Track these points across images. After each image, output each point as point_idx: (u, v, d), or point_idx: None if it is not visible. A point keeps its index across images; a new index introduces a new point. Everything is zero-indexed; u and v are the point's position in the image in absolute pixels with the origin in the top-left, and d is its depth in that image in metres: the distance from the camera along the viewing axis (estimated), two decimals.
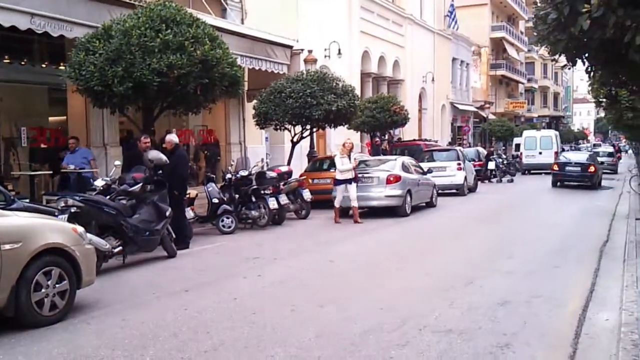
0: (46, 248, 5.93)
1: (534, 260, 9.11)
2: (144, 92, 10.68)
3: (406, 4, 34.41)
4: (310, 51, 19.83)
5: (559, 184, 24.18)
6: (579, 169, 23.72)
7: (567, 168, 24.03)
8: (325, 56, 23.71)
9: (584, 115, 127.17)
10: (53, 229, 6.24)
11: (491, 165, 28.09)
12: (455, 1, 42.69)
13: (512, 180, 27.93)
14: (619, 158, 44.31)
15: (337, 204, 14.01)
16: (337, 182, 14.03)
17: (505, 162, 30.70)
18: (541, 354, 5.08)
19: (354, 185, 13.97)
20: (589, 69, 4.52)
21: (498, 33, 55.21)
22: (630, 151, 49.27)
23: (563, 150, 36.49)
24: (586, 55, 4.23)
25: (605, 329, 5.66)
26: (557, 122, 77.47)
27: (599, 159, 28.78)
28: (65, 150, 12.89)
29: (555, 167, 24.54)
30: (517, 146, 37.23)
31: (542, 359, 5.01)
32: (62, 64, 12.76)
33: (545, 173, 31.75)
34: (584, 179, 23.53)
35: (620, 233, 11.56)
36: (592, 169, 23.65)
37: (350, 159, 14.07)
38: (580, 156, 26.28)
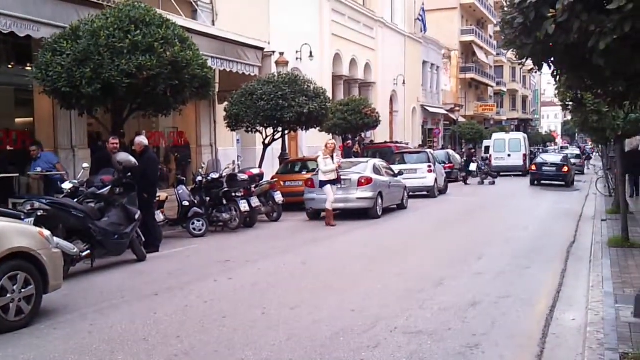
0: (12, 252, 5.82)
1: (503, 261, 9.22)
2: (112, 93, 10.56)
3: (377, 7, 34.61)
4: (281, 53, 19.83)
5: (536, 182, 26.18)
6: (554, 169, 26.10)
7: (544, 168, 26.30)
8: (297, 58, 23.73)
9: (552, 118, 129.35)
10: (19, 232, 6.12)
11: (472, 166, 28.32)
12: (425, 5, 43.08)
13: (493, 183, 27.55)
14: (584, 159, 45.67)
15: (329, 205, 13.81)
16: (323, 183, 13.88)
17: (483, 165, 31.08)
18: (510, 354, 5.14)
19: (336, 186, 14.02)
20: (555, 73, 4.59)
21: (468, 37, 55.87)
22: (595, 154, 50.41)
23: (532, 152, 37.22)
24: (552, 59, 4.29)
25: (572, 329, 5.76)
26: (526, 125, 78.69)
27: None
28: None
29: (533, 167, 26.92)
30: (487, 149, 37.75)
31: (511, 358, 5.07)
32: (28, 64, 12.53)
33: (514, 175, 32.29)
34: (559, 178, 25.89)
35: (586, 234, 11.78)
36: (565, 169, 26.07)
37: (333, 159, 14.04)
38: (556, 158, 28.78)
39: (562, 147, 67.91)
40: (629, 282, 7.20)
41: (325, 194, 13.89)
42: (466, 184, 28.09)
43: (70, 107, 11.35)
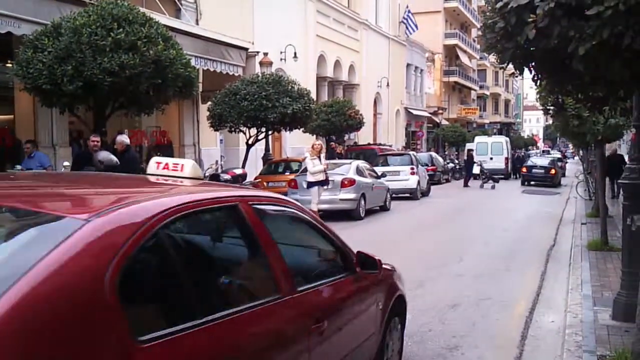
0: None
1: (483, 263, 9.29)
2: (94, 91, 10.46)
3: (361, 9, 34.71)
4: (265, 54, 19.80)
5: (526, 183, 28.85)
6: (543, 171, 28.99)
7: (534, 170, 29.23)
8: (281, 59, 23.71)
9: (534, 122, 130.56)
10: None
11: (476, 169, 28.35)
12: (410, 7, 43.28)
13: (494, 187, 26.74)
14: (566, 163, 46.57)
15: (314, 206, 13.47)
16: (311, 184, 13.71)
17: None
18: (489, 355, 5.18)
19: (322, 188, 13.89)
20: (536, 78, 4.64)
21: (451, 40, 56.21)
22: (576, 158, 51.15)
23: (513, 156, 37.76)
24: (532, 64, 4.33)
25: (551, 331, 5.82)
26: (508, 129, 79.24)
27: None
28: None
29: (524, 170, 29.77)
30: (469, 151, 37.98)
31: None
32: (9, 61, 12.41)
33: (497, 178, 32.54)
34: (547, 179, 28.59)
35: (566, 238, 11.90)
36: (553, 171, 29.05)
37: (320, 160, 13.88)
38: (544, 161, 31.76)
39: (543, 151, 68.58)
40: (607, 285, 7.28)
41: (311, 195, 13.75)
42: (466, 185, 27.59)
43: (51, 105, 11.24)
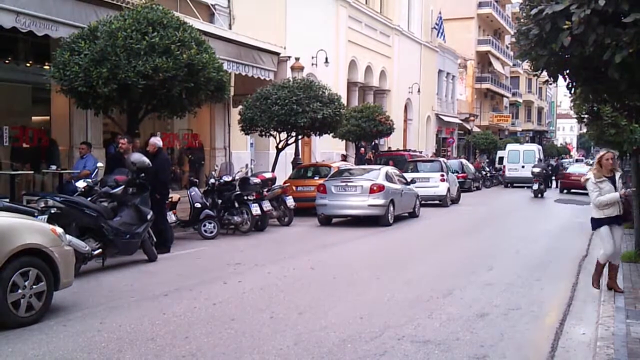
0: (24, 248, 5.88)
1: (513, 272, 9.17)
2: (128, 94, 10.64)
3: (394, 15, 34.64)
4: (297, 59, 19.88)
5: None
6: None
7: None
8: (312, 64, 23.79)
9: (567, 131, 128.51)
10: (32, 229, 6.18)
11: None
12: (442, 14, 43.05)
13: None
14: None
15: (602, 259, 7.75)
16: (598, 223, 7.77)
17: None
18: None
19: (621, 228, 7.90)
20: (570, 85, 4.58)
21: (484, 47, 55.72)
22: None
23: (549, 165, 37.66)
24: (567, 71, 4.28)
25: (582, 343, 5.72)
26: (541, 137, 78.19)
27: None
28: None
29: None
30: (500, 159, 37.58)
31: None
32: (46, 63, 12.69)
33: (527, 186, 32.17)
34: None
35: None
36: None
37: (616, 183, 7.65)
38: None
39: (576, 160, 67.52)
40: None
41: (601, 241, 7.93)
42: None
43: (87, 107, 11.45)
